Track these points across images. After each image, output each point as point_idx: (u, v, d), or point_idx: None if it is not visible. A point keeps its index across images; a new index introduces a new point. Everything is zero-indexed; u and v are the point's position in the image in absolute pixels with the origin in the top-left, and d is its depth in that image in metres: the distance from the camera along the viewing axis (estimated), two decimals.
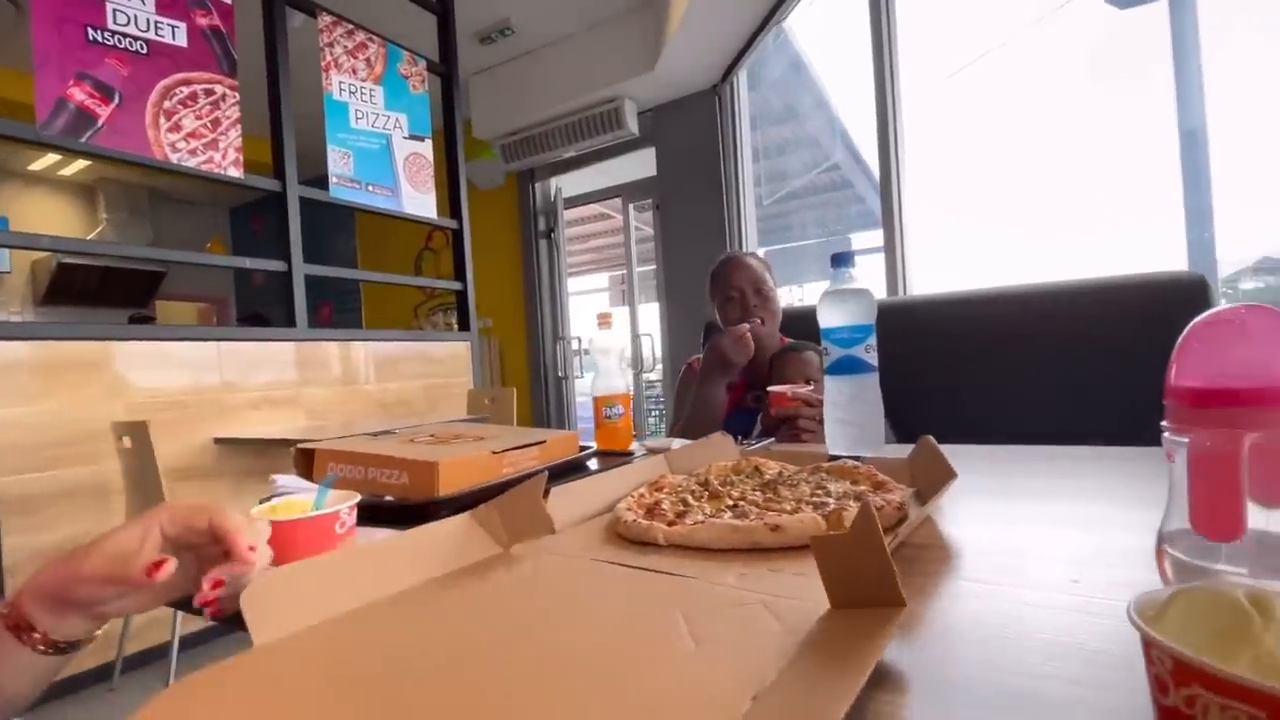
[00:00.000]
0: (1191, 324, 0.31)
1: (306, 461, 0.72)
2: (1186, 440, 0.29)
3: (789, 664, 0.28)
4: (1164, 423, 0.32)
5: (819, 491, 0.57)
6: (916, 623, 0.34)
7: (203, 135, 1.86)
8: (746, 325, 1.24)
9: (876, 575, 0.31)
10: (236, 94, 1.93)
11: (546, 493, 0.52)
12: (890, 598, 0.31)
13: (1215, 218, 1.94)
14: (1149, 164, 2.17)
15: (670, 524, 0.51)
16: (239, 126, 1.93)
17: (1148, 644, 0.21)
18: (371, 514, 0.64)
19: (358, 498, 0.56)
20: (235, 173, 1.92)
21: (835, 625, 0.32)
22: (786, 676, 0.27)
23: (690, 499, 0.58)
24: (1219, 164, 1.94)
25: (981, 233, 2.65)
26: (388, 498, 0.67)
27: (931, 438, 0.61)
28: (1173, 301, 1.13)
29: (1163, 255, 2.09)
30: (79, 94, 1.62)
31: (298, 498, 0.58)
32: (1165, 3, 2.11)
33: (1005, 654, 0.30)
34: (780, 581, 0.40)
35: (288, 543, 0.52)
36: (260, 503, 0.58)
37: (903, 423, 1.25)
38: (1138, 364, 1.14)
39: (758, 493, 0.58)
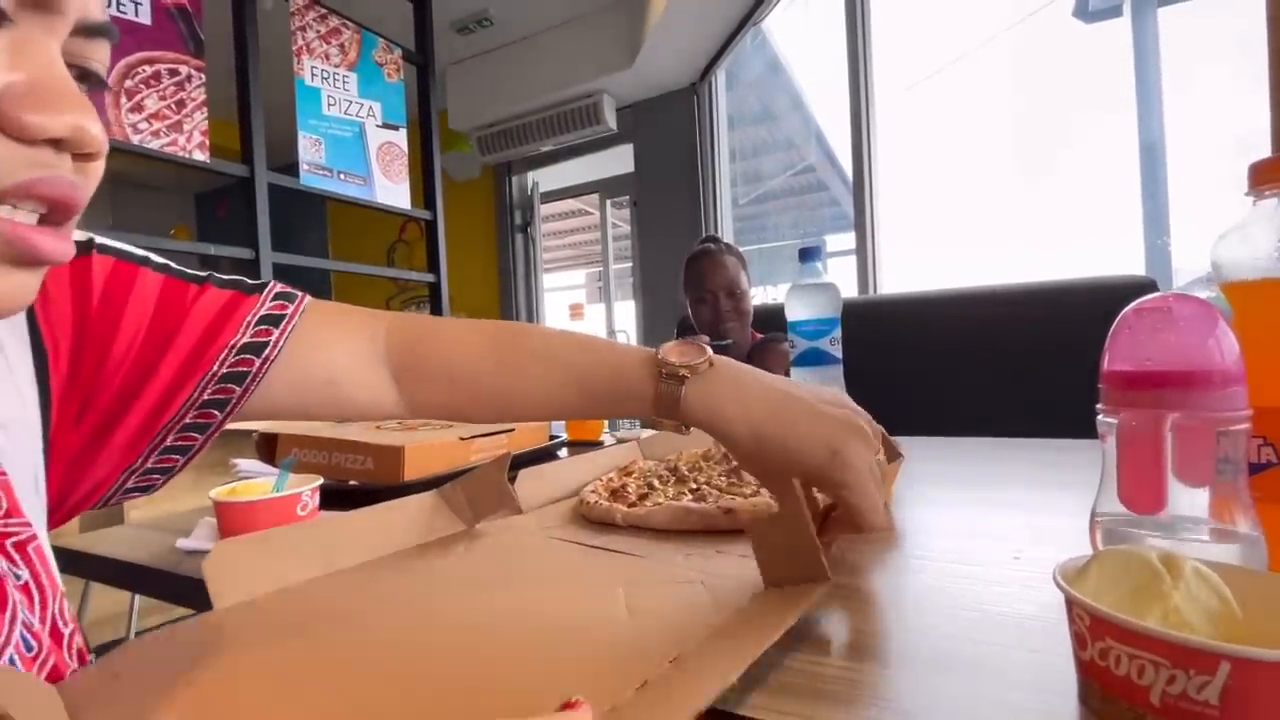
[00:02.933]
0: (1123, 312, 0.33)
1: (269, 446, 0.71)
2: (1115, 421, 0.31)
3: (712, 631, 0.30)
4: (1098, 405, 0.33)
5: None
6: (859, 595, 0.36)
7: (166, 117, 1.81)
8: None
9: (803, 552, 0.32)
10: (203, 75, 1.88)
11: (513, 478, 0.53)
12: (816, 574, 0.32)
13: (1172, 227, 2.02)
14: (1112, 173, 2.24)
15: (631, 505, 0.52)
16: (205, 109, 1.88)
17: (1069, 603, 0.23)
18: (336, 499, 0.64)
19: (319, 481, 0.56)
20: (201, 156, 1.87)
21: (763, 599, 0.33)
22: (706, 643, 0.28)
23: (657, 483, 0.59)
24: (1176, 176, 2.02)
25: (951, 236, 2.72)
26: (352, 482, 0.67)
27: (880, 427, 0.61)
28: (1124, 302, 1.18)
29: (1123, 261, 2.16)
30: None
31: (258, 481, 0.57)
32: (1128, 19, 2.19)
33: (943, 622, 0.31)
34: (723, 562, 0.41)
35: (248, 525, 0.52)
36: (222, 485, 0.58)
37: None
38: (1090, 362, 1.19)
39: (723, 478, 0.59)
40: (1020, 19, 2.54)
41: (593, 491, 0.57)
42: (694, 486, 0.57)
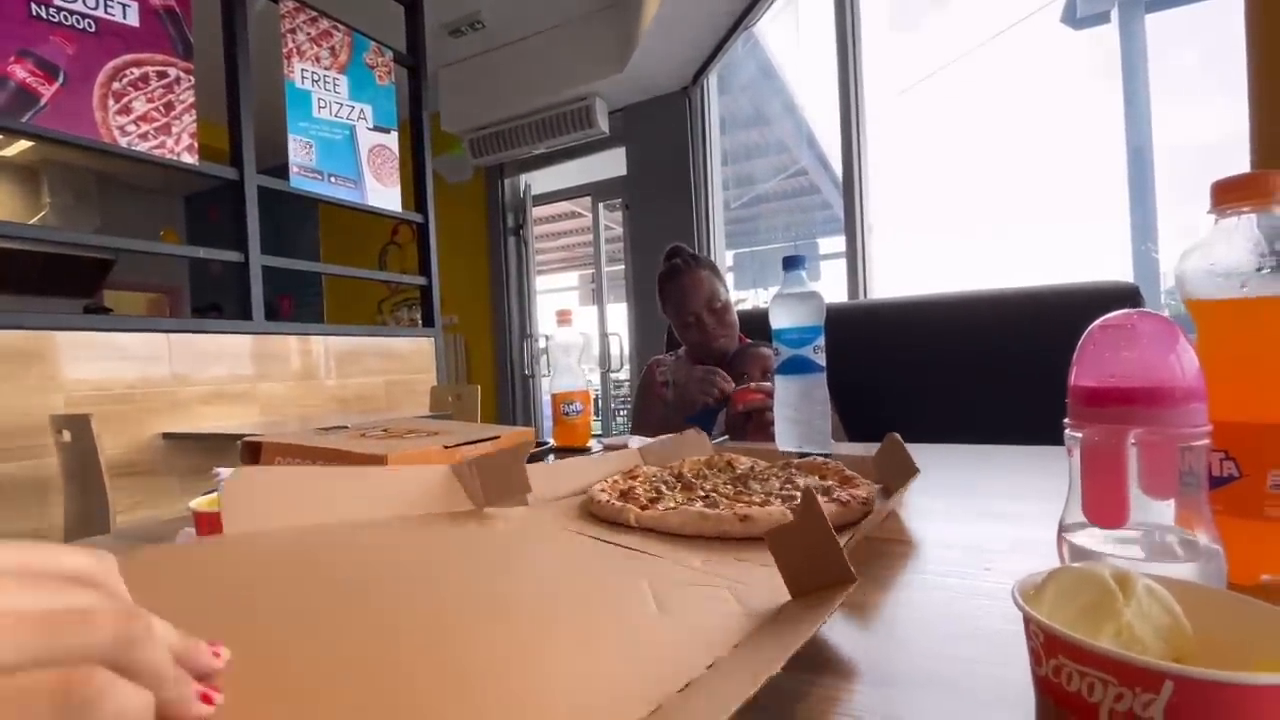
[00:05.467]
0: (1089, 329, 0.34)
1: (253, 456, 0.71)
2: (1080, 435, 0.32)
3: (745, 638, 0.29)
4: (1065, 420, 0.34)
5: (788, 486, 0.57)
6: (864, 610, 0.36)
7: (155, 119, 1.80)
8: (719, 382, 1.19)
9: (826, 556, 0.32)
10: (191, 78, 1.87)
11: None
12: (842, 576, 0.32)
13: (1160, 232, 2.04)
14: (1100, 178, 2.26)
15: (643, 508, 0.52)
16: (194, 111, 1.87)
17: (1026, 620, 0.23)
18: None
19: None
20: (189, 159, 1.86)
21: (790, 609, 0.33)
22: (741, 650, 0.28)
23: (664, 488, 0.58)
24: (1163, 180, 2.04)
25: (942, 241, 2.74)
26: None
27: (898, 435, 0.61)
28: (1109, 309, 1.19)
29: (1111, 267, 2.19)
30: (20, 72, 1.56)
31: None
32: (1116, 25, 2.21)
33: (914, 636, 0.32)
34: (745, 570, 0.41)
35: None
36: (203, 495, 0.57)
37: (858, 421, 1.29)
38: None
39: (729, 486, 0.59)
40: (1009, 25, 2.56)
41: (603, 491, 0.57)
42: (703, 493, 0.56)
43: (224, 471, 0.73)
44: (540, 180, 3.88)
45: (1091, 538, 0.33)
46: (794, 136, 3.79)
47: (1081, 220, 2.39)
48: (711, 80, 3.15)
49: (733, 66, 3.23)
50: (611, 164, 3.52)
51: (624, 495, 0.56)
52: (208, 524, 0.53)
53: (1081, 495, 0.31)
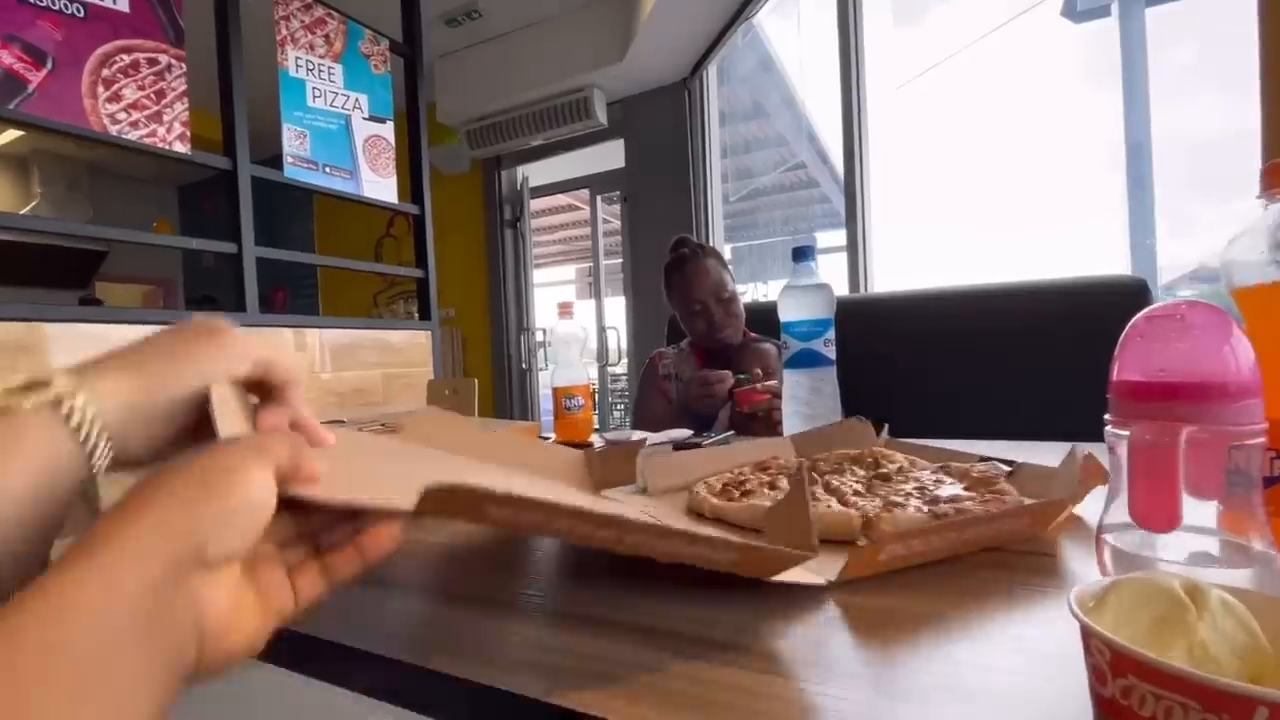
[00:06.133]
0: (1134, 320, 0.32)
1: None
2: (1127, 434, 0.30)
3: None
4: (1107, 416, 0.32)
5: (921, 488, 0.52)
6: (849, 612, 0.34)
7: (146, 107, 1.76)
8: (723, 381, 1.16)
9: (798, 523, 0.34)
10: (183, 65, 1.83)
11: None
12: (803, 544, 0.33)
13: (1157, 226, 2.03)
14: (1099, 172, 2.25)
15: (730, 499, 0.52)
16: (186, 99, 1.84)
17: (1087, 635, 0.21)
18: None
19: None
20: (181, 148, 1.83)
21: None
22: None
23: (785, 480, 0.56)
24: (1161, 175, 2.03)
25: (942, 234, 2.72)
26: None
27: (1090, 452, 0.48)
28: (1115, 303, 1.18)
29: (1108, 260, 2.18)
30: (7, 57, 1.52)
31: None
32: (1116, 18, 2.19)
33: (943, 646, 0.30)
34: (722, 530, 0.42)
35: None
36: None
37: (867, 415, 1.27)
38: (1082, 362, 1.18)
39: (861, 483, 0.55)
40: (1010, 18, 2.54)
41: (705, 484, 0.57)
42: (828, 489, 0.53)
43: None
44: (538, 172, 3.84)
45: (1134, 541, 0.31)
46: (793, 130, 3.76)
47: (1079, 214, 2.38)
48: (711, 72, 3.12)
49: (732, 58, 3.20)
50: (610, 156, 3.49)
51: (730, 486, 0.56)
52: None
53: (1129, 497, 0.29)
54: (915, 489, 0.52)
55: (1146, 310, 0.31)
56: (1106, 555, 0.32)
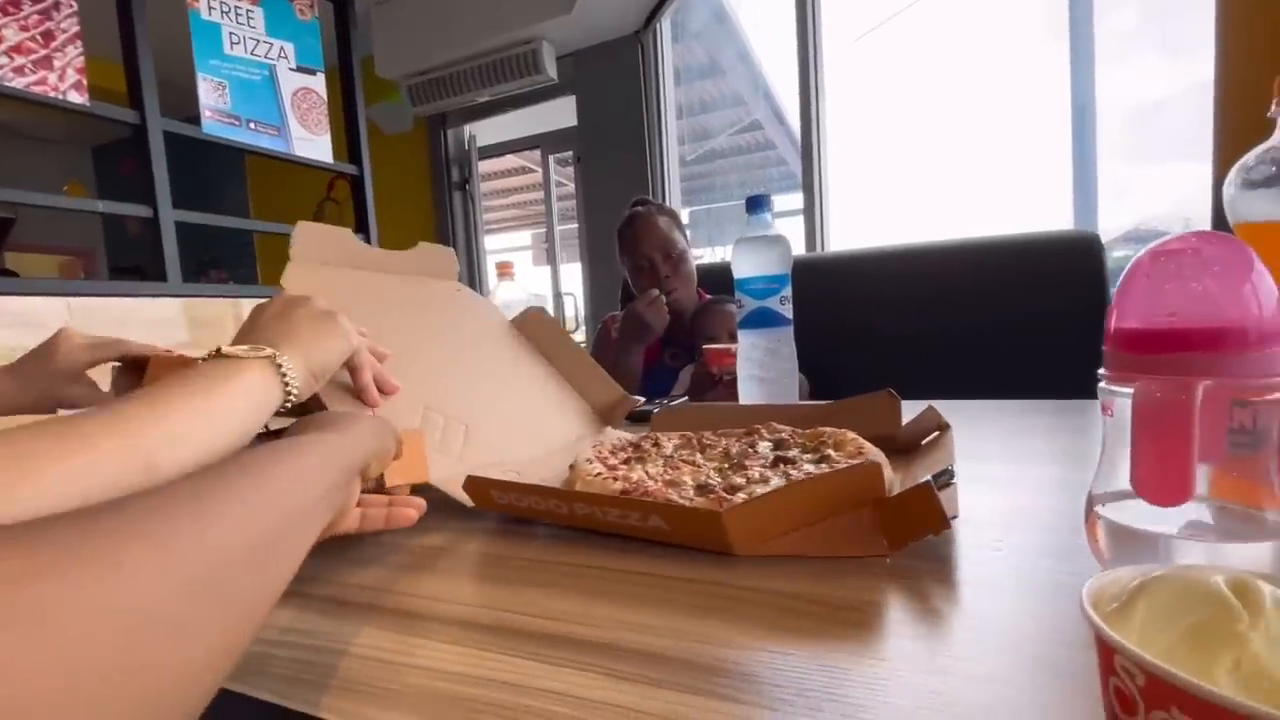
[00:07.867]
0: (1135, 258, 0.27)
1: (136, 379, 0.60)
2: (1129, 391, 0.25)
3: None
4: (1101, 371, 0.28)
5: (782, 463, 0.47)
6: (816, 601, 0.30)
7: (31, 50, 1.57)
8: (657, 291, 1.19)
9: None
10: (74, 4, 1.63)
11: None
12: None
13: (1099, 187, 2.07)
14: (1050, 132, 2.26)
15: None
16: (79, 43, 1.64)
17: (1107, 649, 0.17)
18: None
19: None
20: (77, 97, 1.64)
21: None
22: None
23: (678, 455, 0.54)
24: (1104, 137, 2.06)
25: (897, 192, 2.71)
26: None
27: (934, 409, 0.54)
28: (1067, 259, 1.17)
29: (1056, 219, 2.21)
30: None
31: None
32: None
33: (927, 635, 0.25)
34: None
35: None
36: None
37: (824, 377, 1.24)
38: (1037, 318, 1.17)
39: (726, 462, 0.50)
40: None
41: (591, 460, 0.53)
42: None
43: None
44: (486, 131, 3.66)
45: (1131, 512, 0.27)
46: (749, 88, 3.67)
47: (1028, 174, 2.40)
48: (664, 25, 3.00)
49: (685, 11, 3.07)
50: (561, 114, 3.34)
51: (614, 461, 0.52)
52: None
53: (1133, 465, 0.25)
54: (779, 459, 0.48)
55: (1153, 245, 0.26)
56: (1100, 530, 0.28)
